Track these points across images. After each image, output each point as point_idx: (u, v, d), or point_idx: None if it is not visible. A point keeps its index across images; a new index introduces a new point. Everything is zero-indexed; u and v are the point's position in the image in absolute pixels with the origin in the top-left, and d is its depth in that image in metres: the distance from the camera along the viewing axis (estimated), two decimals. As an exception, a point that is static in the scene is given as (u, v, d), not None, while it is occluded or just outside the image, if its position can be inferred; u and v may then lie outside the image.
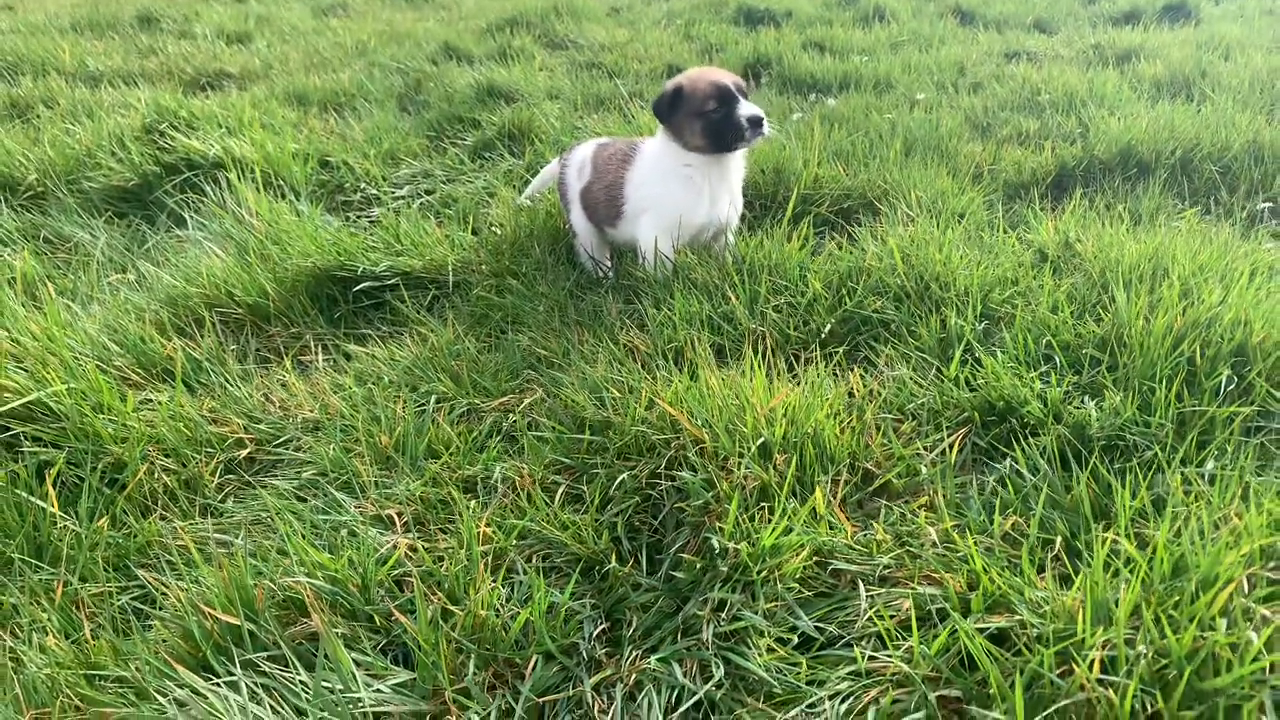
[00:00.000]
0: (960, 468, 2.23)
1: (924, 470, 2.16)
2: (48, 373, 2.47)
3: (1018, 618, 1.64)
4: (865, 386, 2.46)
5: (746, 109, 2.94)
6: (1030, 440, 2.19)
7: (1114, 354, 2.46)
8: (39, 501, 2.17)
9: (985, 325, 2.72)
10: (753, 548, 1.80)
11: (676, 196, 3.06)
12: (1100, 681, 1.45)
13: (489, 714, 1.64)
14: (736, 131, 2.94)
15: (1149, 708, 1.40)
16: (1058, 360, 2.49)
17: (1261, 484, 1.97)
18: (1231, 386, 2.29)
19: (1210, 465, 2.06)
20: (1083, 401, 2.31)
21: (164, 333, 2.95)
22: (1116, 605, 1.58)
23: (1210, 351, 2.36)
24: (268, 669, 1.69)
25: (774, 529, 1.82)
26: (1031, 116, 4.95)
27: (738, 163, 3.15)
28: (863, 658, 1.66)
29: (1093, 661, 1.46)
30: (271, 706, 1.61)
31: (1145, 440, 2.16)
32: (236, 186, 3.88)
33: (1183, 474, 2.02)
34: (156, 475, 2.37)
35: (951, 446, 2.22)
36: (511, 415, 2.54)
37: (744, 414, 2.13)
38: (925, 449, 2.25)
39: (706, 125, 2.96)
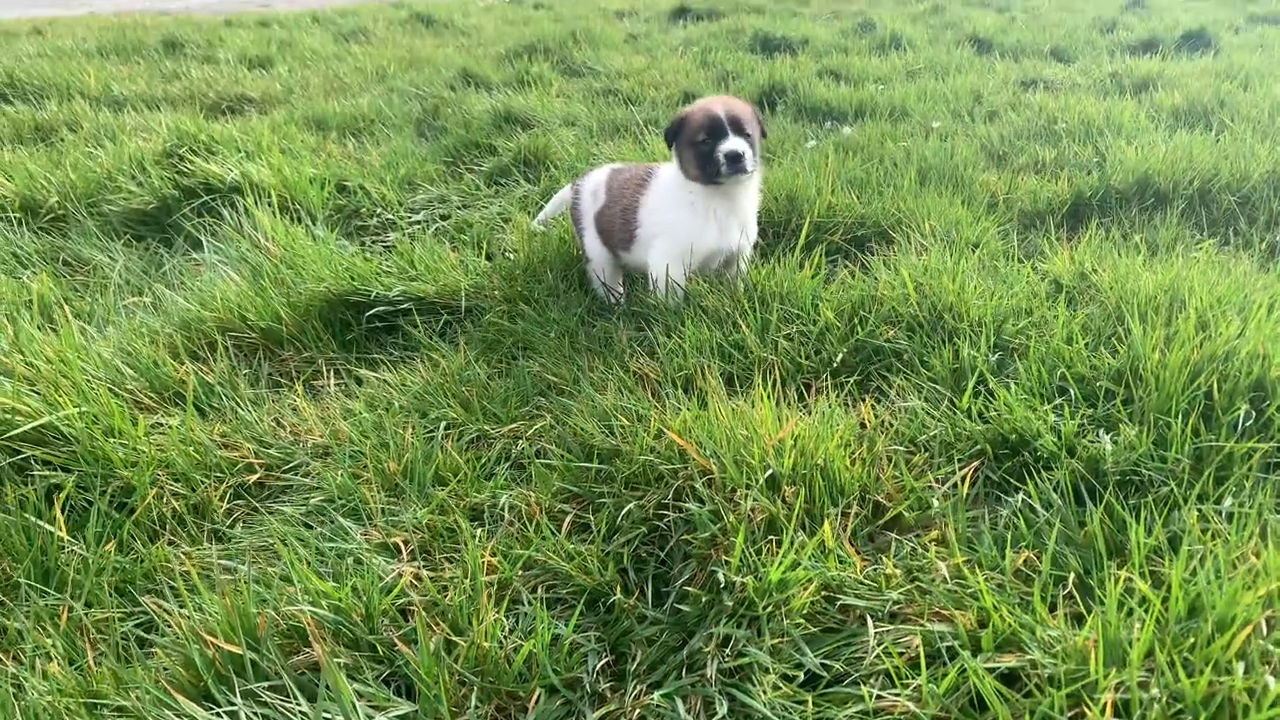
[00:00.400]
0: (972, 501, 2.20)
1: (935, 504, 2.13)
2: (60, 396, 2.48)
3: (1029, 657, 1.61)
4: (876, 417, 2.44)
5: (726, 145, 2.92)
6: (1043, 474, 2.16)
7: (1129, 387, 2.43)
8: (47, 526, 2.17)
9: (999, 356, 2.69)
10: (759, 582, 1.77)
11: (686, 223, 3.06)
12: (1113, 726, 1.42)
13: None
14: (716, 166, 2.94)
15: (1163, 754, 1.37)
16: (1072, 393, 2.46)
17: (1281, 522, 1.93)
18: (1250, 422, 2.26)
19: (1228, 502, 2.03)
20: (1097, 435, 2.28)
21: (177, 356, 2.96)
22: (1130, 646, 1.55)
23: (1228, 385, 2.33)
24: (268, 699, 1.68)
25: (781, 563, 1.80)
26: (1048, 145, 4.93)
27: (748, 192, 3.14)
28: (870, 697, 1.63)
29: (1105, 705, 1.42)
30: (271, 738, 1.60)
31: (1161, 476, 2.12)
32: (253, 211, 3.92)
33: (1199, 511, 1.99)
34: (165, 500, 2.37)
35: (963, 480, 2.19)
36: (520, 442, 2.53)
37: (752, 445, 2.11)
38: (937, 481, 2.22)
39: (696, 156, 2.97)
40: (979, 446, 2.32)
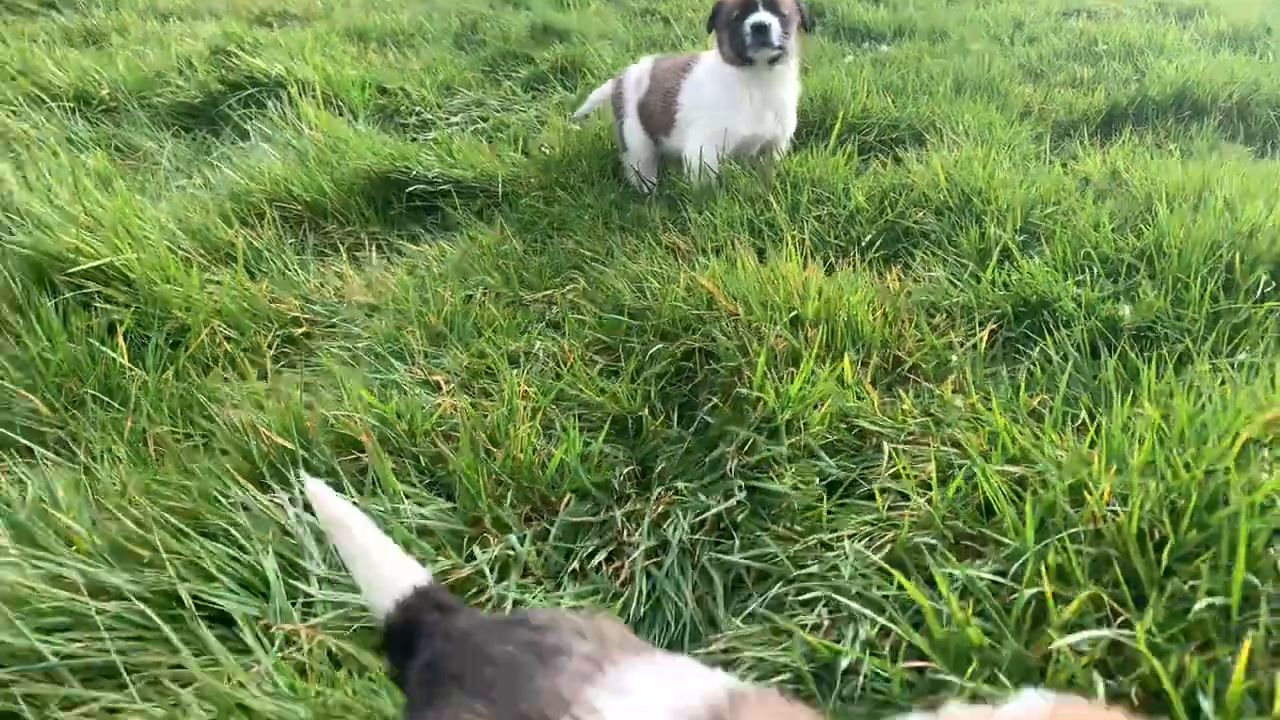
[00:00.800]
0: (990, 360, 2.27)
1: (954, 359, 2.21)
2: (119, 243, 2.60)
3: (1036, 468, 1.69)
4: (901, 284, 2.51)
5: (754, 17, 2.94)
6: (1062, 330, 2.23)
7: (1152, 263, 2.47)
8: (110, 351, 2.30)
9: (1025, 238, 2.74)
10: (779, 397, 1.87)
11: (721, 108, 3.12)
12: (1110, 513, 1.50)
13: (525, 536, 1.73)
14: (743, 39, 2.97)
15: (1157, 534, 1.45)
16: (1095, 270, 2.50)
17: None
18: (1270, 289, 2.30)
19: (1241, 356, 2.08)
20: (1117, 302, 2.33)
21: (228, 222, 3.08)
22: (1132, 457, 1.62)
23: (1249, 257, 2.37)
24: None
25: (800, 378, 1.89)
26: (1087, 64, 4.89)
27: (784, 80, 3.18)
28: (884, 505, 1.72)
29: (1104, 493, 1.51)
30: (323, 516, 1.72)
31: (1177, 333, 2.18)
32: (297, 101, 4.01)
33: (1213, 363, 2.04)
34: (218, 341, 2.50)
35: (983, 340, 2.26)
36: (554, 307, 2.63)
37: (777, 289, 2.19)
38: (957, 341, 2.29)
39: (729, 33, 3.01)
40: (1000, 310, 2.38)
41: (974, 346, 2.25)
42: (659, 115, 3.30)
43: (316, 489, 1.22)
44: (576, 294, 2.63)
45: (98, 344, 2.31)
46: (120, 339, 2.34)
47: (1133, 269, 2.48)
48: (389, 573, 1.17)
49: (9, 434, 2.05)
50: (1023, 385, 2.02)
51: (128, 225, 2.68)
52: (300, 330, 2.64)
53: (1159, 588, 1.34)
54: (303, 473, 1.26)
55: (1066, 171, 3.29)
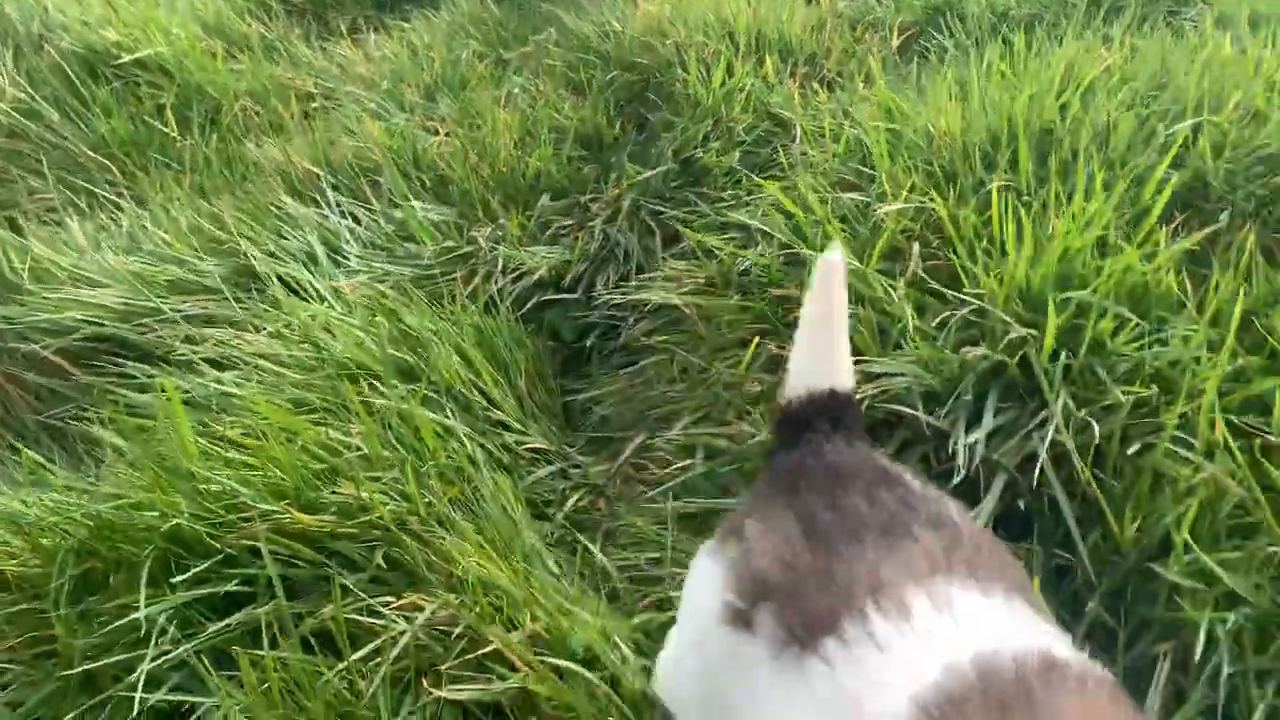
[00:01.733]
0: (902, 65, 2.63)
1: (870, 61, 2.57)
2: (150, 36, 3.00)
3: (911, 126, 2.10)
4: (831, 5, 2.83)
5: None
6: (961, 23, 2.57)
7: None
8: (161, 126, 2.75)
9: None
10: (707, 90, 2.28)
11: None
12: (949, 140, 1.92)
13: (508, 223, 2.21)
14: None
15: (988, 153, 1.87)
16: None
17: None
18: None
19: (1110, 30, 2.43)
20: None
21: (240, 17, 3.44)
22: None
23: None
24: (345, 202, 2.29)
25: (722, 70, 2.29)
26: None
27: None
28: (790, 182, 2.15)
29: (946, 126, 1.93)
30: (355, 218, 2.22)
31: (1058, 18, 2.52)
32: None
33: (1080, 37, 2.39)
34: (248, 115, 2.93)
35: (893, 43, 2.62)
36: (530, 61, 3.00)
37: (717, 9, 2.56)
38: (875, 47, 2.65)
39: None
40: (915, 20, 2.72)
41: (889, 51, 2.62)
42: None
43: (836, 259, 1.05)
44: (549, 43, 2.99)
45: (151, 120, 2.76)
46: (169, 115, 2.79)
47: None
48: (820, 366, 1.11)
49: (95, 191, 2.53)
50: (916, 74, 2.40)
51: (155, 22, 3.07)
52: (314, 105, 3.05)
53: (968, 177, 1.78)
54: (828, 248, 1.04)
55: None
